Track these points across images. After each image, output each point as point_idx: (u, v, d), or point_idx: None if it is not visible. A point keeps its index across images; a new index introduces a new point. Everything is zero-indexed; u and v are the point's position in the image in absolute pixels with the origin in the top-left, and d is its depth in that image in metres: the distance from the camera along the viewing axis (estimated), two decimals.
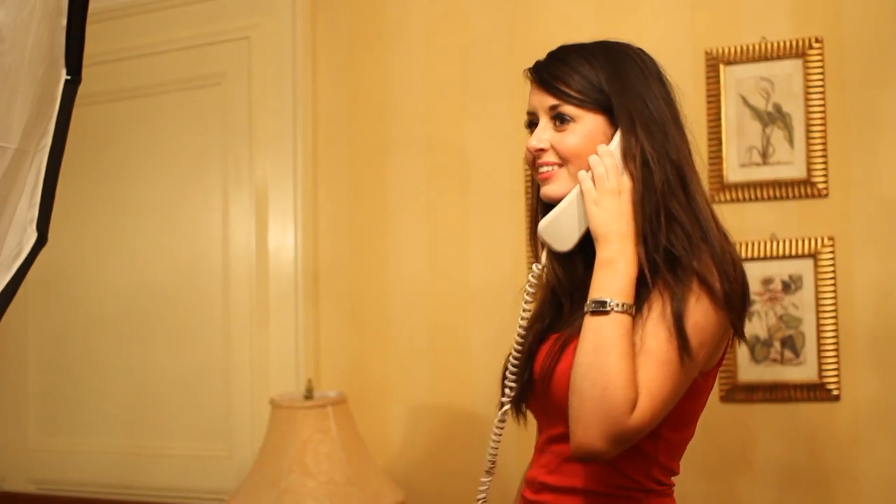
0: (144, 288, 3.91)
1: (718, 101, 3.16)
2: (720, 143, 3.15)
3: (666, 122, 1.82)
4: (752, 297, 3.07)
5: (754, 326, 3.10)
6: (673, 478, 1.92)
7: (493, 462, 1.98)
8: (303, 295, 3.66)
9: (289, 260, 3.68)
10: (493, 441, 1.96)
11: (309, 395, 3.29)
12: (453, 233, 3.51)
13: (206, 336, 3.81)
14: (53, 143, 1.99)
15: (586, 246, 1.82)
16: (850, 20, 3.07)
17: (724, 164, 3.15)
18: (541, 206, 1.94)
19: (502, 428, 1.95)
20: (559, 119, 1.85)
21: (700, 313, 1.72)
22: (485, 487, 1.99)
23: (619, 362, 1.65)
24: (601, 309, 1.70)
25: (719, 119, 3.16)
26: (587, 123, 1.83)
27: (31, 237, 1.97)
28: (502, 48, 3.44)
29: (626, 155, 1.78)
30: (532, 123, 1.92)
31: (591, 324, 1.71)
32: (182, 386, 3.84)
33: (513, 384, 1.92)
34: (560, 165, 1.86)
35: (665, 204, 1.76)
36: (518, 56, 3.36)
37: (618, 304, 1.69)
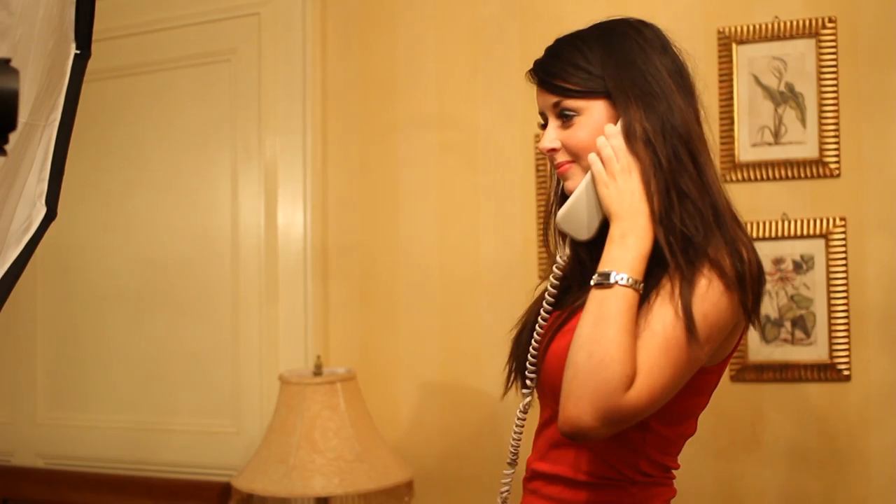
0: (153, 264, 3.91)
1: (731, 80, 3.15)
2: (732, 123, 3.14)
3: (669, 94, 1.77)
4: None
5: (765, 306, 3.08)
6: (674, 471, 1.88)
7: (516, 453, 1.95)
8: (312, 272, 3.65)
9: (298, 237, 3.68)
10: (515, 433, 1.94)
11: (318, 371, 3.29)
12: (464, 211, 3.50)
13: (215, 312, 3.81)
14: (63, 117, 1.99)
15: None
16: (864, 0, 3.05)
17: (736, 144, 3.13)
18: (559, 198, 1.92)
19: (524, 420, 1.93)
20: (565, 115, 1.82)
21: (711, 298, 1.66)
22: (507, 480, 1.96)
23: (619, 336, 1.61)
24: (605, 281, 1.66)
25: (731, 98, 3.14)
26: (593, 113, 1.79)
27: (41, 212, 1.97)
28: (514, 25, 3.42)
29: (629, 135, 1.74)
30: (545, 124, 1.89)
31: (594, 296, 1.67)
32: (191, 362, 3.84)
33: (532, 375, 1.89)
34: (573, 161, 1.83)
35: (675, 181, 1.71)
36: (530, 33, 3.35)
37: (623, 278, 1.65)
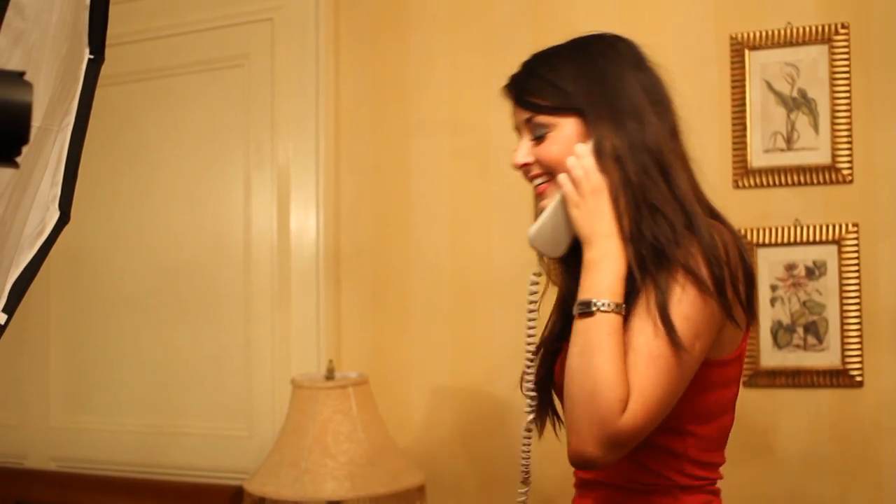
0: (166, 268, 3.92)
1: (743, 86, 3.14)
2: (745, 129, 3.13)
3: (641, 110, 1.77)
4: (775, 282, 3.06)
5: (777, 312, 3.08)
6: (720, 469, 1.88)
7: (527, 471, 1.96)
8: (324, 276, 3.66)
9: (310, 242, 3.68)
10: (524, 451, 1.94)
11: (330, 375, 3.30)
12: (476, 215, 3.50)
13: (227, 316, 3.81)
14: (76, 122, 1.99)
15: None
16: (877, 6, 3.04)
17: (749, 150, 3.13)
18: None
19: (529, 438, 1.93)
20: (537, 130, 1.83)
21: (688, 303, 1.66)
22: (523, 498, 1.96)
23: (606, 363, 1.62)
24: (586, 310, 1.67)
25: (744, 104, 3.14)
26: (564, 129, 1.80)
27: (54, 216, 1.98)
28: (526, 31, 3.43)
29: (599, 153, 1.74)
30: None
31: (578, 327, 1.69)
32: (203, 365, 3.85)
33: (531, 394, 1.91)
34: (549, 176, 1.84)
35: (644, 196, 1.72)
36: (542, 40, 3.33)
37: (603, 304, 1.66)
